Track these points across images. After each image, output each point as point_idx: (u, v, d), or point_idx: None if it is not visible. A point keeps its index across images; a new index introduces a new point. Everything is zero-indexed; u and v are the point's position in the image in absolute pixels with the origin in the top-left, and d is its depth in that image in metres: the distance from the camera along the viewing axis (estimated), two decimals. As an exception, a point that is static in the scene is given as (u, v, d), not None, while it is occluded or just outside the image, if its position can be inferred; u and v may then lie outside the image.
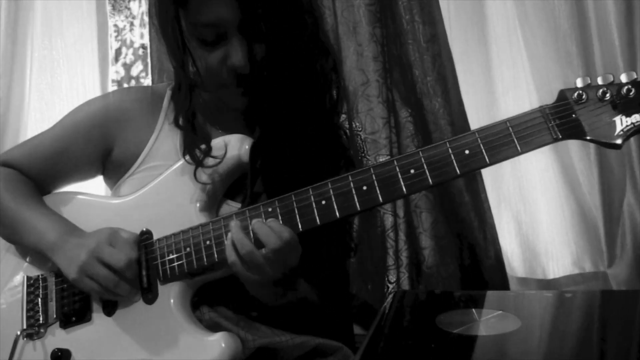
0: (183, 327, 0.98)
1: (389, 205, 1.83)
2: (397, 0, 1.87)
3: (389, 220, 1.84)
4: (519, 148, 0.84)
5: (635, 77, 0.83)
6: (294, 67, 1.01)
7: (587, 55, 1.85)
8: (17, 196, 1.10)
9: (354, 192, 0.90)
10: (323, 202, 0.91)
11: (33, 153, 1.16)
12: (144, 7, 2.18)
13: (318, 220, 0.91)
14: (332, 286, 1.12)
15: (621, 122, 0.82)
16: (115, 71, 2.23)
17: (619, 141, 0.82)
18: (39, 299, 1.08)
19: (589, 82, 0.84)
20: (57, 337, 1.05)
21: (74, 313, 1.05)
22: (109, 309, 1.04)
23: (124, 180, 1.13)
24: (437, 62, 1.85)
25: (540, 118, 0.84)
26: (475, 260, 1.87)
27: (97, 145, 1.14)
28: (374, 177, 0.89)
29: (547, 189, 1.92)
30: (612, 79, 0.83)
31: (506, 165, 1.94)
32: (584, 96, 0.84)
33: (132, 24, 2.22)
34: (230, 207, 1.06)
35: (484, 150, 0.86)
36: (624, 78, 0.83)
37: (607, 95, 0.83)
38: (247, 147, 1.03)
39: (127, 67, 2.22)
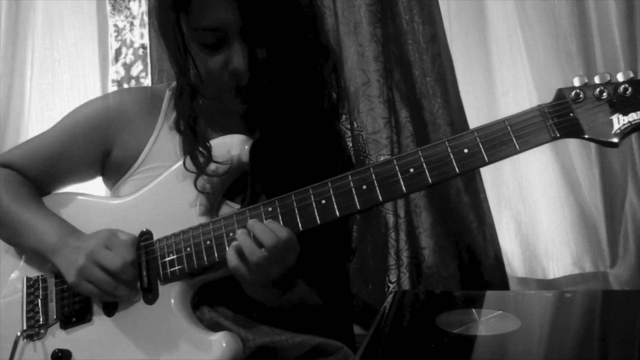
0: (184, 327, 0.98)
1: (390, 205, 1.83)
2: (397, 1, 1.87)
3: (390, 220, 1.84)
4: (517, 147, 0.85)
5: (632, 76, 0.83)
6: (294, 70, 1.01)
7: (587, 55, 1.85)
8: (17, 198, 1.10)
9: (353, 191, 0.90)
10: (323, 201, 0.91)
11: (32, 154, 1.16)
12: (144, 7, 2.18)
13: (318, 220, 0.91)
14: (332, 286, 1.12)
15: (618, 121, 0.83)
16: (115, 71, 2.23)
17: (616, 139, 0.83)
18: (39, 300, 1.08)
19: (586, 81, 0.85)
20: (58, 338, 1.05)
21: (74, 314, 1.05)
22: (110, 309, 1.04)
23: (124, 181, 1.13)
24: (436, 62, 1.85)
25: (538, 117, 0.85)
26: (475, 261, 1.87)
27: (97, 146, 1.14)
28: (373, 177, 0.90)
29: (547, 189, 1.92)
30: (609, 78, 0.84)
31: (506, 166, 1.94)
32: (581, 95, 0.84)
33: (132, 24, 2.22)
34: (230, 207, 1.06)
35: (482, 150, 0.86)
36: (620, 77, 0.84)
37: (605, 94, 0.83)
38: (247, 147, 1.03)
39: (127, 67, 2.22)
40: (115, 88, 2.20)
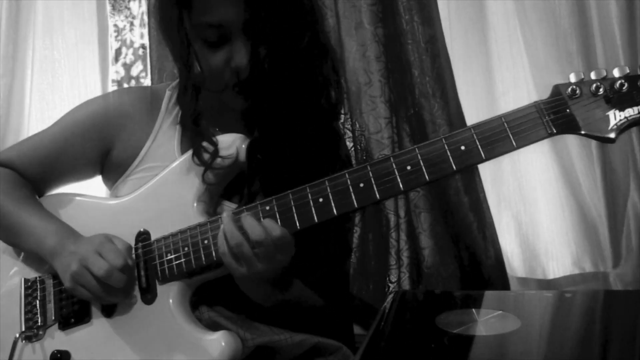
0: (182, 327, 0.98)
1: (391, 205, 1.83)
2: (397, 1, 1.87)
3: (391, 220, 1.84)
4: (514, 143, 0.85)
5: (628, 71, 0.83)
6: (295, 68, 1.01)
7: (588, 54, 1.85)
8: (16, 199, 1.10)
9: (351, 189, 0.90)
10: (320, 200, 0.91)
11: (32, 152, 1.16)
12: (144, 7, 2.18)
13: (316, 218, 0.91)
14: (330, 286, 1.12)
15: (615, 116, 0.83)
16: (115, 71, 2.23)
17: (612, 135, 0.83)
18: (37, 301, 1.08)
19: (583, 77, 0.85)
20: (56, 339, 1.05)
21: (73, 314, 1.05)
22: (108, 310, 1.04)
23: (123, 180, 1.13)
24: (436, 62, 1.85)
25: (535, 113, 0.85)
26: (475, 261, 1.87)
27: (96, 145, 1.14)
28: (370, 175, 0.90)
29: (547, 189, 1.92)
30: (605, 74, 0.84)
31: (506, 165, 1.93)
32: (577, 91, 0.84)
33: (132, 24, 2.22)
34: (228, 207, 1.06)
35: (479, 146, 0.86)
36: (616, 73, 0.84)
37: (601, 89, 0.84)
38: (244, 146, 1.03)
39: (127, 67, 2.22)
40: (115, 88, 2.20)
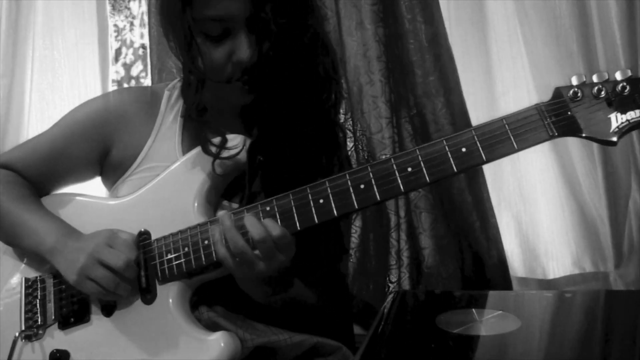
0: (182, 327, 0.98)
1: (391, 204, 1.83)
2: (399, 0, 1.87)
3: (391, 219, 1.84)
4: (515, 145, 0.85)
5: (630, 74, 0.83)
6: (296, 65, 1.01)
7: (588, 54, 1.85)
8: (16, 199, 1.10)
9: (351, 190, 0.90)
10: (321, 200, 0.91)
11: (31, 154, 1.16)
12: (144, 7, 2.18)
13: (316, 219, 0.91)
14: (329, 286, 1.12)
15: (616, 119, 0.83)
16: (115, 71, 2.23)
17: (614, 138, 0.83)
18: (37, 301, 1.08)
19: (584, 79, 0.85)
20: (56, 339, 1.05)
21: (73, 314, 1.05)
22: (108, 309, 1.04)
23: (122, 181, 1.13)
24: (439, 61, 1.85)
25: (536, 115, 0.85)
26: (478, 261, 1.87)
27: (96, 146, 1.14)
28: (371, 176, 0.90)
29: (547, 189, 1.92)
30: (607, 77, 0.84)
31: (506, 165, 1.93)
32: (579, 94, 0.84)
33: (132, 24, 2.22)
34: (228, 208, 1.06)
35: (480, 148, 0.86)
36: (618, 75, 0.84)
37: (602, 92, 0.84)
38: (241, 146, 1.02)
39: (127, 67, 2.22)
40: (115, 88, 2.20)
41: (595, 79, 0.85)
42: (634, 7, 1.77)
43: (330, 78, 1.06)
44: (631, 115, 0.82)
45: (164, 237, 1.01)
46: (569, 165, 1.90)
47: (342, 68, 1.85)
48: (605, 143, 0.84)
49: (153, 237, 1.03)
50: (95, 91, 2.18)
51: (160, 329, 0.99)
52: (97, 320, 1.04)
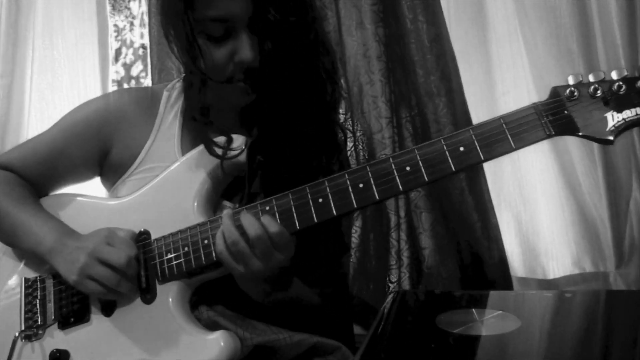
0: (182, 327, 0.98)
1: (391, 204, 1.83)
2: (401, 0, 1.87)
3: (391, 220, 1.84)
4: (512, 144, 0.86)
5: (626, 74, 0.84)
6: (296, 65, 1.01)
7: (588, 54, 1.84)
8: (15, 200, 1.10)
9: (350, 189, 0.91)
10: (320, 200, 0.92)
11: (31, 155, 1.16)
12: (144, 7, 2.18)
13: (315, 218, 0.92)
14: (329, 285, 1.12)
15: (612, 118, 0.84)
16: (115, 71, 2.23)
17: (610, 137, 0.84)
18: (37, 301, 1.08)
19: (581, 79, 0.86)
20: (56, 338, 1.05)
21: (73, 314, 1.05)
22: (108, 309, 1.04)
23: (122, 181, 1.13)
24: (441, 61, 1.85)
25: (533, 115, 0.86)
26: (478, 260, 1.87)
27: (96, 146, 1.14)
28: (370, 175, 0.90)
29: (547, 189, 1.92)
30: (603, 76, 0.85)
31: (506, 165, 1.93)
32: (576, 93, 0.85)
33: (132, 24, 2.22)
34: (228, 207, 1.06)
35: (478, 147, 0.87)
36: (614, 75, 0.85)
37: (599, 91, 0.84)
38: (244, 147, 1.03)
39: (127, 67, 2.22)
40: (115, 88, 2.20)
41: (591, 78, 0.86)
42: (634, 7, 1.77)
43: (329, 78, 1.06)
44: (627, 114, 0.83)
45: (164, 237, 1.02)
46: (569, 165, 1.90)
47: (342, 68, 1.85)
48: (602, 142, 0.85)
49: (153, 237, 1.03)
50: (95, 91, 2.18)
51: (160, 328, 0.99)
52: (97, 320, 1.04)
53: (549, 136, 0.85)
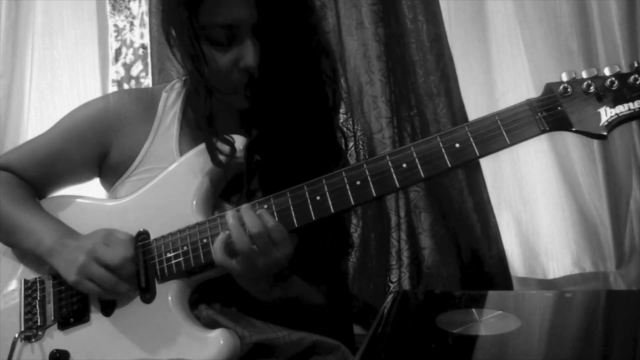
0: (181, 325, 0.98)
1: (392, 204, 1.83)
2: (401, 0, 1.87)
3: (392, 219, 1.84)
4: (507, 140, 0.87)
5: (618, 70, 0.86)
6: (300, 68, 1.01)
7: (588, 54, 1.84)
8: (14, 200, 1.10)
9: (347, 187, 0.92)
10: (318, 197, 0.92)
11: (30, 156, 1.16)
12: (144, 7, 2.18)
13: (313, 216, 0.92)
14: (330, 284, 1.12)
15: (605, 113, 0.85)
16: (115, 71, 2.23)
17: (604, 132, 0.85)
18: (37, 302, 1.08)
19: (574, 75, 0.88)
20: (56, 339, 1.05)
21: (72, 314, 1.05)
22: (107, 309, 1.04)
23: (121, 182, 1.13)
24: (440, 61, 1.85)
25: (527, 111, 0.87)
26: (478, 260, 1.87)
27: (95, 147, 1.14)
28: (367, 172, 0.91)
29: (547, 189, 1.92)
30: (596, 73, 0.87)
31: (506, 165, 1.93)
32: (569, 89, 0.87)
33: (132, 24, 2.22)
34: (227, 207, 1.06)
35: (473, 143, 0.88)
36: (607, 71, 0.86)
37: (592, 87, 0.86)
38: (242, 146, 1.03)
39: (127, 67, 2.22)
40: (115, 88, 2.20)
41: (584, 74, 0.87)
42: (634, 7, 1.77)
43: (329, 79, 1.06)
44: (620, 109, 0.84)
45: (163, 237, 1.02)
46: (569, 165, 1.90)
47: (342, 68, 1.85)
48: (595, 137, 0.86)
49: (152, 237, 1.03)
50: (95, 91, 2.18)
51: (160, 327, 0.99)
52: (97, 320, 1.04)
53: (543, 132, 0.86)
